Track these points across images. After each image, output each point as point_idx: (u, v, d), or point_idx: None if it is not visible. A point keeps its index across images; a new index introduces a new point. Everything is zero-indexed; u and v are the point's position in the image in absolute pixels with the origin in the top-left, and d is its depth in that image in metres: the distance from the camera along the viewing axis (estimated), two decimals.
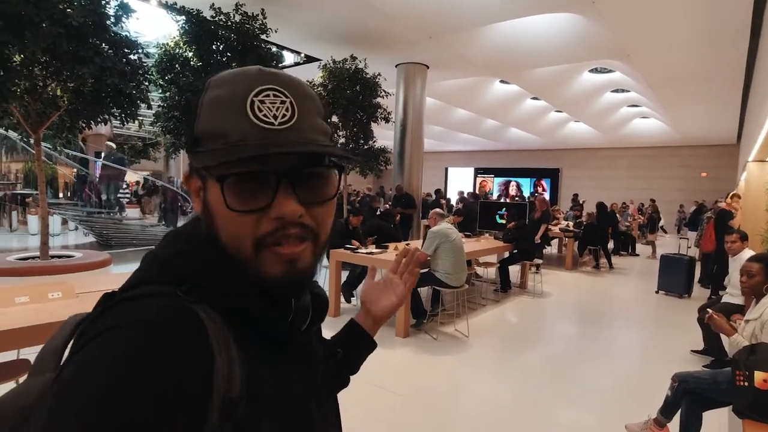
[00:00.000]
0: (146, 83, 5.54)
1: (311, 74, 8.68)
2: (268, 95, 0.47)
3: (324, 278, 5.43)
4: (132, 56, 5.32)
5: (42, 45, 4.39)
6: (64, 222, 11.16)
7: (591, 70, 10.98)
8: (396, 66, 9.46)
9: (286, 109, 0.47)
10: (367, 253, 5.09)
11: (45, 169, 6.64)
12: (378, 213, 8.19)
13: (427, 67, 9.51)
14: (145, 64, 5.47)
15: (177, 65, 6.53)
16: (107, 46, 5.04)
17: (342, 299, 5.48)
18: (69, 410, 0.35)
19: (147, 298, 0.43)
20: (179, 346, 0.40)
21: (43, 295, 2.43)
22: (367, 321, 0.82)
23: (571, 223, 10.21)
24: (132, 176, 14.87)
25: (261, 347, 0.48)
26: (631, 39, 7.44)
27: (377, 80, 8.51)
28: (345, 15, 7.11)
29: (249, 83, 0.47)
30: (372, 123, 8.77)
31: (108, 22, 5.03)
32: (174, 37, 6.75)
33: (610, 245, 10.23)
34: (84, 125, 5.47)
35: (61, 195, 11.64)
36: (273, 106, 0.47)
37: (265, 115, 0.46)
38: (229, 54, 6.65)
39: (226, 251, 0.48)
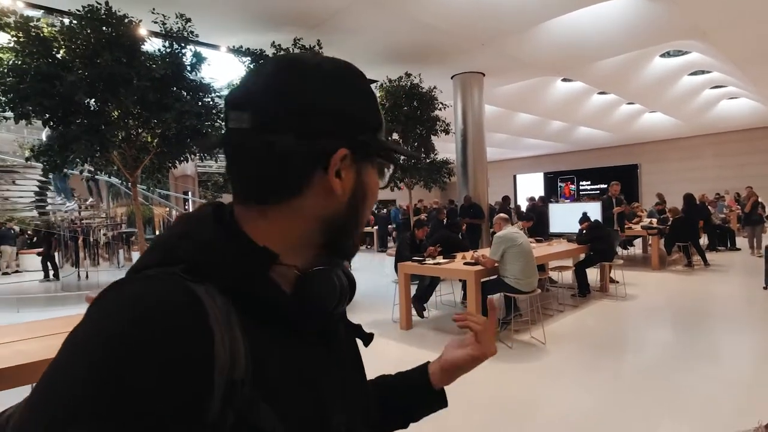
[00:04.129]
0: (220, 122, 6.06)
1: None
2: None
3: (394, 292, 5.50)
4: (206, 99, 5.88)
5: (133, 98, 4.99)
6: None
7: (662, 55, 10.26)
8: (451, 77, 9.49)
9: None
10: (434, 264, 5.10)
11: (142, 209, 7.45)
12: (445, 224, 8.17)
13: (483, 75, 9.44)
14: (218, 105, 6.00)
15: None
16: (185, 92, 5.61)
17: (414, 312, 5.50)
18: (49, 401, 0.35)
19: (143, 280, 0.42)
20: (170, 324, 0.38)
21: None
22: (434, 365, 0.75)
23: (654, 220, 9.47)
24: None
25: (272, 329, 0.46)
26: (705, 14, 6.89)
27: (433, 93, 8.59)
28: (397, 35, 7.31)
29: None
30: (432, 136, 8.83)
31: (185, 72, 5.61)
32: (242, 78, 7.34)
33: (703, 240, 9.32)
34: (170, 165, 6.09)
35: (157, 232, 12.89)
36: None
37: None
38: None
39: (352, 229, 0.54)
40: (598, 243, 6.24)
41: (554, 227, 7.29)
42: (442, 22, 6.81)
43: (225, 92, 7.34)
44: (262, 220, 0.50)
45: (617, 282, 6.73)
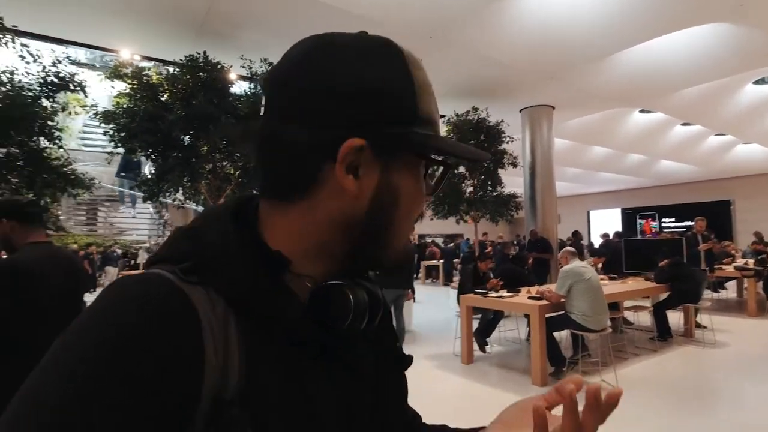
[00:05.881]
0: None
1: None
2: None
3: (456, 325, 5.44)
4: None
5: (220, 135, 5.57)
6: None
7: (756, 81, 9.53)
8: (520, 111, 9.48)
9: None
10: (497, 297, 5.01)
11: None
12: (510, 258, 7.99)
13: (553, 108, 9.33)
14: None
15: None
16: None
17: (475, 347, 5.39)
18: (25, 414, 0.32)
19: (139, 282, 0.38)
20: (156, 334, 0.34)
21: None
22: None
23: (750, 261, 8.57)
24: None
25: (275, 342, 0.41)
26: None
27: (500, 127, 8.62)
28: (465, 71, 7.51)
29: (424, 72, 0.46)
30: (499, 169, 8.80)
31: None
32: None
33: None
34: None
35: None
36: None
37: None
38: None
39: (385, 239, 0.46)
40: (680, 282, 5.78)
41: (630, 265, 6.86)
42: (510, 57, 6.91)
43: None
44: (283, 219, 0.45)
45: (704, 327, 6.14)
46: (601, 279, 5.48)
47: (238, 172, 6.27)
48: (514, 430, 0.52)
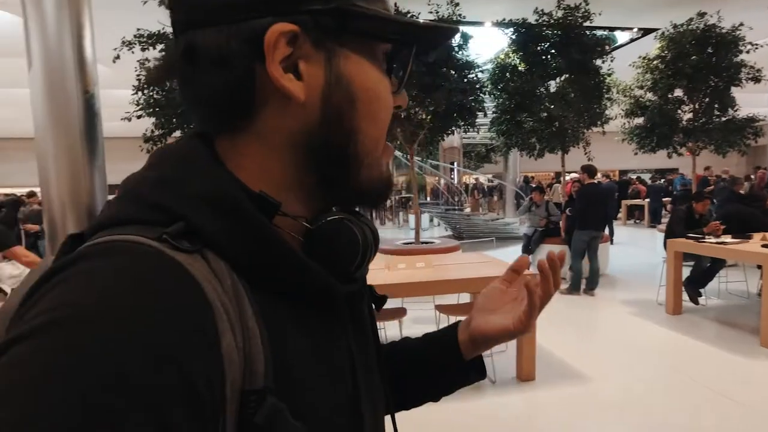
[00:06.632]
0: (482, 95, 6.56)
1: (646, 49, 7.89)
2: None
3: (661, 272, 4.97)
4: (471, 75, 6.46)
5: (413, 81, 5.98)
6: (431, 219, 14.12)
7: None
8: None
9: None
10: (716, 243, 4.36)
11: (418, 178, 8.79)
12: (741, 196, 6.63)
13: None
14: (481, 80, 6.52)
15: (507, 74, 7.36)
16: (453, 72, 6.32)
17: (685, 297, 4.86)
18: None
19: (117, 252, 0.28)
20: (159, 339, 0.25)
21: (412, 265, 3.63)
22: (464, 334, 0.56)
23: None
24: (473, 178, 17.40)
25: (298, 311, 0.36)
26: None
27: (737, 33, 6.88)
28: None
29: None
30: (733, 88, 7.15)
31: (453, 53, 6.30)
32: (504, 50, 7.65)
33: None
34: (440, 138, 7.01)
35: (428, 198, 14.77)
36: None
37: None
38: (552, 51, 6.99)
39: (353, 157, 0.37)
40: None
41: None
42: None
43: (487, 67, 7.80)
44: (241, 156, 0.36)
45: None
46: None
47: (429, 117, 6.65)
48: (478, 319, 0.55)
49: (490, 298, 0.56)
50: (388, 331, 3.62)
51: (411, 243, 7.18)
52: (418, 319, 4.37)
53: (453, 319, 2.76)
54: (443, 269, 3.63)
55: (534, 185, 9.02)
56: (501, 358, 3.42)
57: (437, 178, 13.97)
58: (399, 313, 3.25)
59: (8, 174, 15.85)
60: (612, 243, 7.89)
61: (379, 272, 3.49)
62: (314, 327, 0.37)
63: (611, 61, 7.34)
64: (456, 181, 14.10)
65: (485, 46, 8.19)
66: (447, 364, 0.56)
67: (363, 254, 0.39)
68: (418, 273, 3.43)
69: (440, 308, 3.28)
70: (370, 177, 0.39)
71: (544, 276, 0.50)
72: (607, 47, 7.62)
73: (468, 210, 13.29)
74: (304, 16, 0.33)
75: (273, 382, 0.31)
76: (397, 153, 10.65)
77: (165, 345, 0.25)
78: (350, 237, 0.38)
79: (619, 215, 12.98)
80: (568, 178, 8.55)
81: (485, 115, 6.93)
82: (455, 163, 14.89)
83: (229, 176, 0.35)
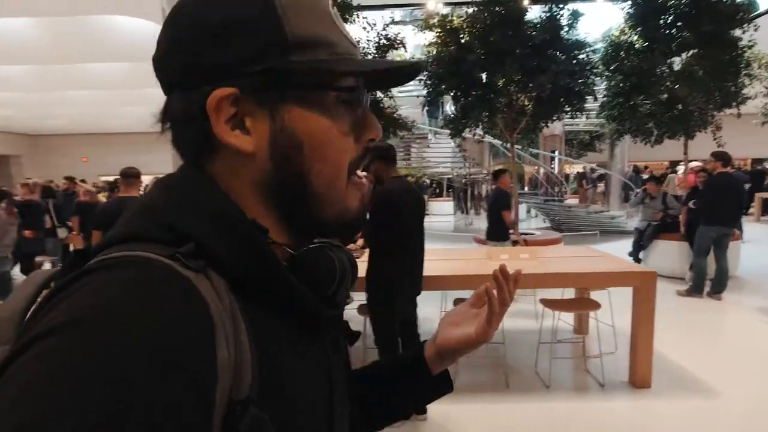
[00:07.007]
0: (592, 77, 6.09)
1: None
2: (333, 7, 0.40)
3: None
4: (581, 56, 6.01)
5: (515, 66, 5.73)
6: (528, 210, 13.52)
7: None
8: None
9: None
10: None
11: (517, 167, 8.46)
12: None
13: None
14: (591, 61, 6.04)
15: (622, 52, 6.73)
16: (560, 53, 5.94)
17: None
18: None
19: (129, 267, 0.31)
20: (166, 349, 0.28)
21: (516, 255, 3.48)
22: (430, 349, 0.60)
23: None
24: (576, 168, 16.23)
25: (284, 331, 0.38)
26: None
27: None
28: None
29: None
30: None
31: (561, 32, 5.91)
32: (619, 26, 6.99)
33: None
34: (543, 125, 6.65)
35: (526, 188, 14.16)
36: (343, 22, 0.41)
37: (346, 30, 0.40)
38: (678, 24, 6.23)
39: (311, 195, 0.40)
40: None
41: None
42: None
43: (599, 46, 7.20)
44: (225, 189, 0.40)
45: None
46: None
47: (531, 103, 6.34)
48: (446, 339, 0.59)
49: (454, 315, 0.60)
50: None
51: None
52: (519, 313, 4.24)
53: (558, 315, 2.64)
54: (548, 262, 3.48)
55: (645, 176, 8.19)
56: (610, 360, 3.20)
57: (536, 167, 13.34)
58: None
59: (146, 164, 18.19)
60: (743, 241, 6.93)
61: (481, 262, 3.44)
62: (301, 347, 0.40)
63: (754, 30, 6.35)
64: (556, 171, 13.34)
65: (596, 23, 7.57)
66: (416, 380, 0.60)
67: (340, 280, 0.42)
68: (521, 264, 3.30)
69: (546, 303, 3.13)
70: (332, 212, 0.41)
71: (498, 285, 0.55)
72: (748, 15, 6.62)
73: (569, 201, 12.49)
74: (244, 79, 0.37)
75: (258, 395, 0.33)
76: (495, 141, 10.33)
77: (172, 350, 0.28)
78: (328, 264, 0.41)
79: (752, 210, 11.30)
80: (690, 166, 7.64)
81: (595, 99, 6.41)
82: (556, 152, 14.07)
83: (229, 199, 0.38)
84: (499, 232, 4.82)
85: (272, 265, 0.37)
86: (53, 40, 7.30)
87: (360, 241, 3.72)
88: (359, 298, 4.01)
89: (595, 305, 3.10)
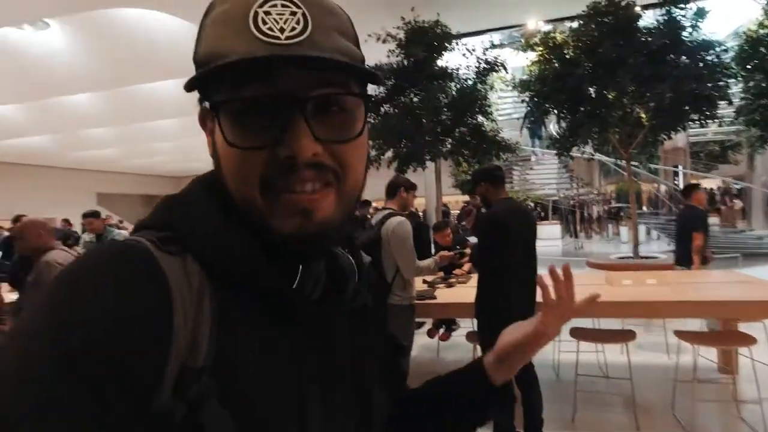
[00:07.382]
0: (724, 80, 5.39)
1: None
2: (275, 5, 0.38)
3: None
4: (708, 57, 5.36)
5: (629, 77, 5.30)
6: (648, 232, 12.20)
7: None
8: None
9: (297, 22, 0.38)
10: None
11: (633, 185, 7.73)
12: None
13: None
14: (723, 61, 5.36)
15: (762, 48, 5.89)
16: (683, 57, 5.36)
17: None
18: None
19: (121, 246, 0.39)
20: (121, 296, 0.34)
21: (641, 281, 3.13)
22: (490, 356, 0.59)
23: None
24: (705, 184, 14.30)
25: (253, 314, 0.41)
26: None
27: None
28: None
29: None
30: None
31: (683, 34, 5.35)
32: (756, 19, 6.16)
33: None
34: (664, 137, 6.01)
35: (644, 207, 12.83)
36: (280, 18, 0.38)
37: (270, 29, 0.38)
38: None
39: (235, 201, 0.42)
40: None
41: None
42: None
43: (730, 43, 6.39)
44: None
45: None
46: None
47: (649, 114, 5.77)
48: (503, 341, 0.58)
49: (515, 325, 0.59)
50: (608, 354, 3.21)
51: (628, 257, 6.31)
52: (648, 345, 3.77)
53: (698, 350, 2.27)
54: (681, 288, 3.07)
55: None
56: None
57: (656, 184, 12.07)
58: (626, 336, 2.85)
59: None
60: None
61: (599, 288, 3.14)
62: (268, 333, 0.41)
63: None
64: (680, 187, 11.91)
65: (722, 21, 6.78)
66: (476, 392, 0.59)
67: (302, 279, 0.45)
68: (649, 291, 2.95)
69: (684, 335, 2.74)
70: (262, 229, 0.42)
71: (555, 279, 0.55)
72: None
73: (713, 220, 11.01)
74: (205, 96, 0.42)
75: (215, 366, 0.37)
76: (607, 159, 9.58)
77: (120, 305, 0.34)
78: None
79: None
80: None
81: (730, 102, 5.64)
82: (680, 166, 12.59)
83: (211, 197, 0.43)
84: (689, 256, 4.03)
85: (239, 252, 0.40)
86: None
87: (467, 266, 3.62)
88: (465, 324, 3.94)
89: (750, 340, 2.63)
